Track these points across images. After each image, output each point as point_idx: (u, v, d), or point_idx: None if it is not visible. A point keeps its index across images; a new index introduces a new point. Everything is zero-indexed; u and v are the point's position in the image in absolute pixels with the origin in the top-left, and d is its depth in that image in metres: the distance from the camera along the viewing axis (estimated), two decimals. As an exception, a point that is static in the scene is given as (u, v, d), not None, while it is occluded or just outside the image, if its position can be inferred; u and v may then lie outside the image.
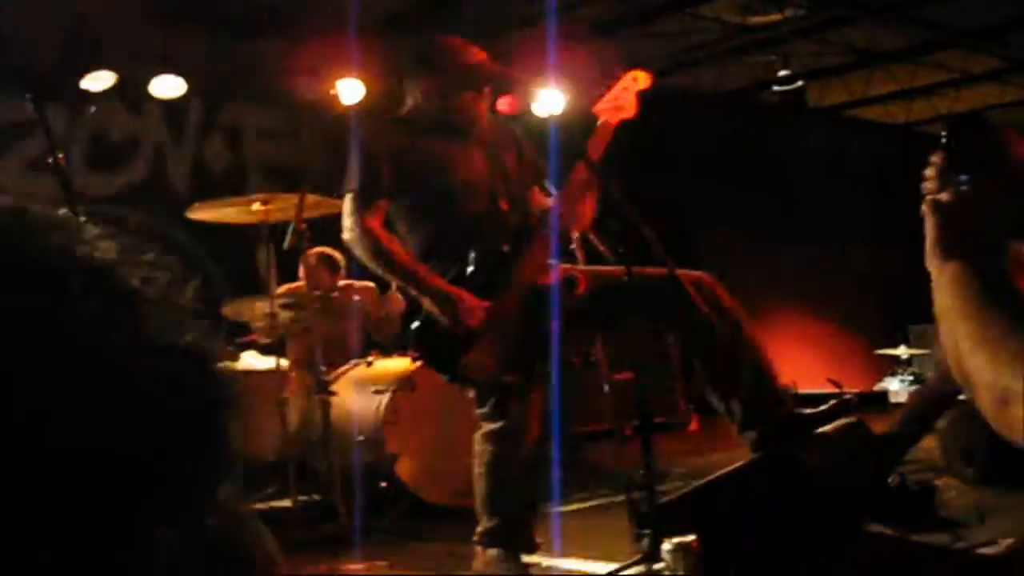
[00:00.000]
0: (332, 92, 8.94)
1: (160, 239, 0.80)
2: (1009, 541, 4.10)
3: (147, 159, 10.01)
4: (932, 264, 1.72)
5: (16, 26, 8.34)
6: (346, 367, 7.11)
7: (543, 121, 8.62)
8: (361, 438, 6.55)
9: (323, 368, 6.32)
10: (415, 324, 4.68)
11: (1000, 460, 5.66)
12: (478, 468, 4.67)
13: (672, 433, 9.77)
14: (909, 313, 11.82)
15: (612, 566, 4.35)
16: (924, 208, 1.75)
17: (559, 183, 4.80)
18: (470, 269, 4.60)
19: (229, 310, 6.82)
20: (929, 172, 1.79)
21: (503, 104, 4.96)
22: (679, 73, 12.37)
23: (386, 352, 7.25)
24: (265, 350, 7.45)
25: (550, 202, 4.83)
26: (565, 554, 5.05)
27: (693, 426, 10.34)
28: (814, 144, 14.47)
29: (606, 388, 8.11)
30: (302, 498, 6.37)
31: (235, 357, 7.29)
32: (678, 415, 10.22)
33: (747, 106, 13.94)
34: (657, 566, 4.02)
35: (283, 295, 6.85)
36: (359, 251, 4.68)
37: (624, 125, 4.74)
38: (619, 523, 4.85)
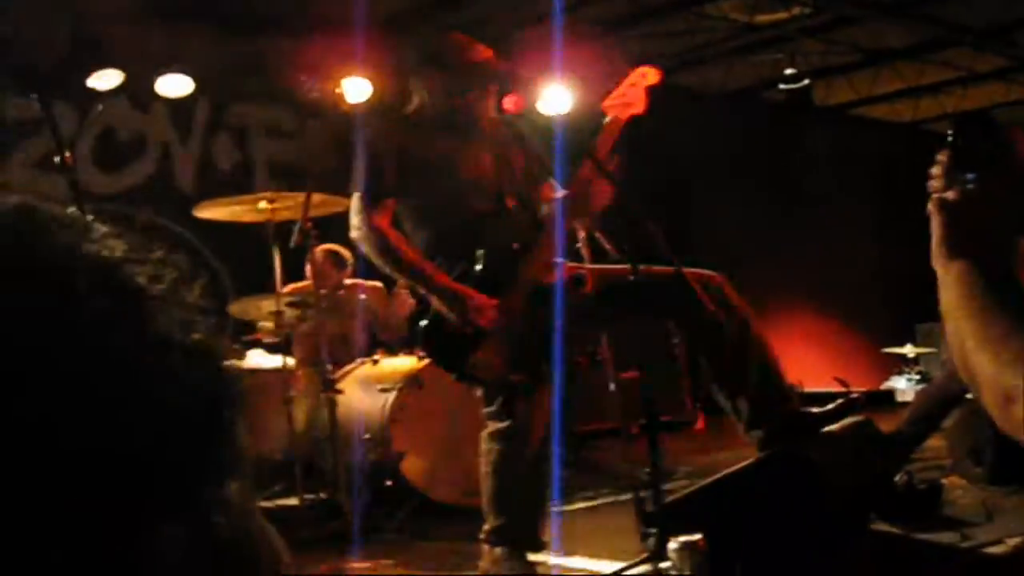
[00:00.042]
0: (338, 91, 8.95)
1: (167, 237, 0.80)
2: (1016, 540, 4.10)
3: (154, 158, 10.02)
4: (938, 263, 1.72)
5: (23, 25, 8.35)
6: (352, 365, 7.11)
7: (549, 119, 8.61)
8: (367, 436, 6.55)
9: (329, 367, 6.32)
10: (423, 323, 4.68)
11: (1008, 459, 5.66)
12: (485, 467, 4.67)
13: (678, 432, 9.77)
14: (916, 312, 11.83)
15: (618, 565, 4.35)
16: (930, 206, 1.75)
17: (565, 181, 4.80)
18: (478, 267, 4.60)
19: (236, 309, 6.83)
20: (935, 170, 1.79)
21: (509, 102, 4.94)
22: (685, 71, 12.36)
23: (392, 351, 7.25)
24: (271, 349, 7.46)
25: (558, 196, 4.83)
26: (571, 553, 5.05)
27: (699, 424, 10.33)
28: (820, 143, 14.45)
29: (612, 387, 8.11)
30: (308, 496, 6.37)
31: (241, 356, 7.30)
32: (684, 414, 10.22)
33: (753, 105, 13.93)
34: (663, 565, 4.02)
35: (290, 294, 6.85)
36: (367, 249, 4.68)
37: (632, 121, 4.73)
38: (625, 522, 4.85)
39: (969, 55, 12.88)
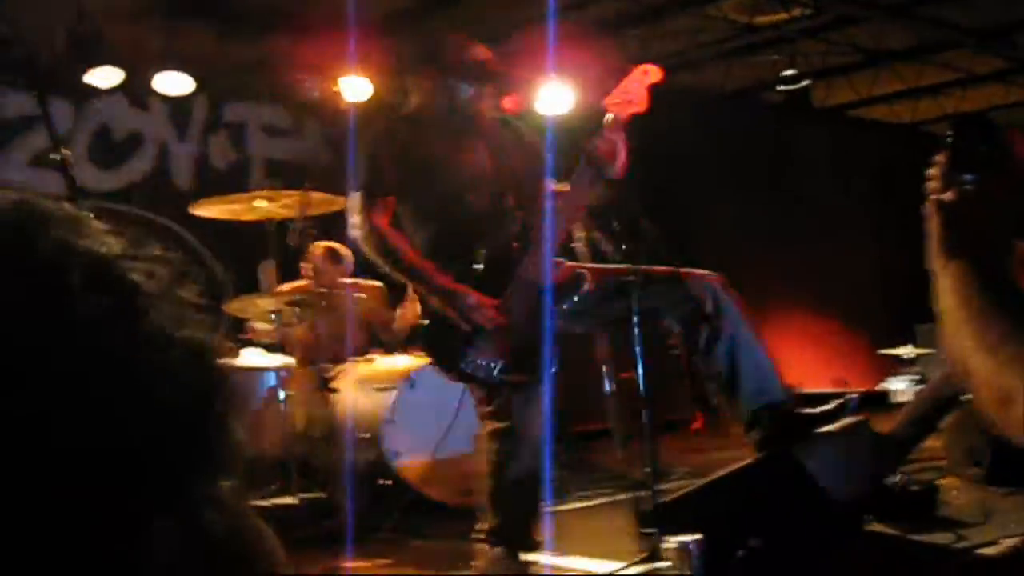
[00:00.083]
0: (336, 90, 8.96)
1: (163, 235, 0.80)
2: (1012, 541, 4.10)
3: (151, 155, 10.02)
4: (935, 263, 1.72)
5: (22, 21, 8.35)
6: (349, 364, 7.11)
7: (548, 119, 8.61)
8: (363, 436, 6.55)
9: (326, 366, 6.33)
10: (424, 322, 4.69)
11: (1004, 460, 5.66)
12: (482, 467, 4.67)
13: (676, 432, 9.78)
14: (914, 313, 11.80)
15: (615, 565, 4.35)
16: (928, 207, 1.75)
17: (562, 180, 4.80)
18: (478, 267, 4.59)
19: (232, 307, 6.83)
20: (933, 171, 1.79)
21: (507, 102, 4.95)
22: (685, 71, 12.36)
23: (389, 350, 7.26)
24: (268, 348, 7.46)
25: (563, 188, 4.83)
26: (567, 553, 5.05)
27: (697, 425, 10.34)
28: (819, 143, 14.46)
29: (610, 387, 8.11)
30: (304, 495, 6.37)
31: (236, 353, 7.30)
32: (682, 414, 10.23)
33: (753, 105, 13.93)
34: (660, 565, 4.02)
35: (286, 292, 6.85)
36: (366, 249, 4.69)
37: (632, 120, 4.72)
38: (622, 522, 4.85)
39: (968, 56, 12.89)
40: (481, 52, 4.81)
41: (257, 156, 10.64)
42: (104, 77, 8.51)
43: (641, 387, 4.59)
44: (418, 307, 4.86)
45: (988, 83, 14.05)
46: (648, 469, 4.40)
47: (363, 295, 7.47)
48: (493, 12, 9.56)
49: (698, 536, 3.92)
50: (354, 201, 4.71)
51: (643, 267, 4.49)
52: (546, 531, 4.81)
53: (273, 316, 6.54)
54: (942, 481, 5.66)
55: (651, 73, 4.78)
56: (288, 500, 6.27)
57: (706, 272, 4.80)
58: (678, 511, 4.32)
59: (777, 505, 4.27)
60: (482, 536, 4.66)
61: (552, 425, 4.81)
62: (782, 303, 12.69)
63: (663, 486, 4.64)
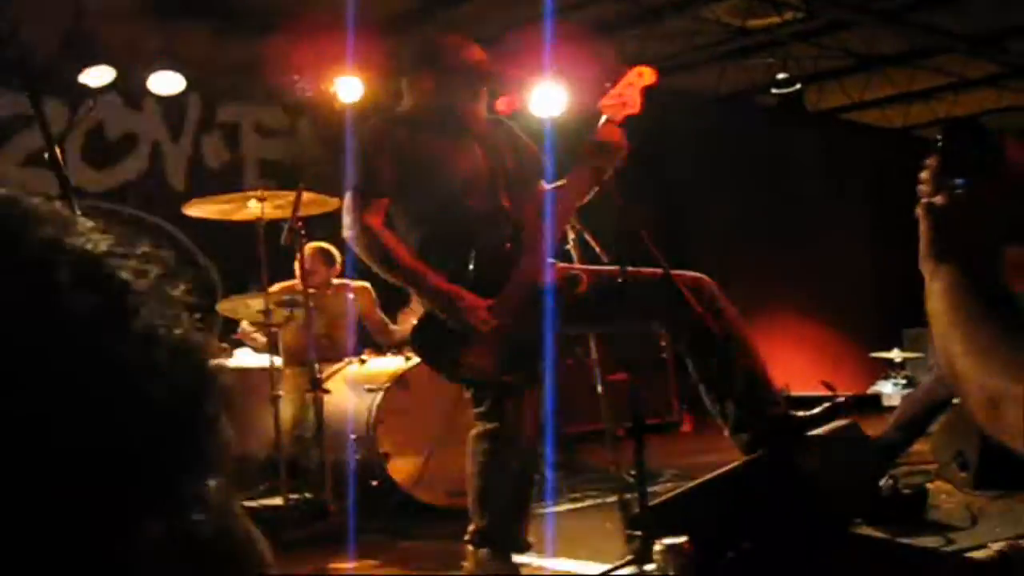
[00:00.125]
0: (331, 90, 8.95)
1: (156, 234, 0.80)
2: (999, 545, 4.11)
3: (144, 155, 10.02)
4: (925, 267, 1.72)
5: (16, 20, 8.34)
6: (340, 365, 7.12)
7: (542, 120, 8.61)
8: (354, 436, 6.55)
9: (317, 366, 6.33)
10: (415, 322, 4.68)
11: (992, 464, 5.67)
12: (472, 467, 4.66)
13: (665, 434, 9.79)
14: (904, 316, 11.83)
15: (603, 567, 4.35)
16: (918, 211, 1.76)
17: (558, 180, 4.80)
18: (470, 268, 4.59)
19: (223, 307, 6.82)
20: (924, 175, 1.80)
21: (502, 103, 4.95)
22: (679, 74, 12.36)
23: (380, 351, 7.26)
24: (258, 348, 7.46)
25: (553, 187, 4.83)
26: (556, 554, 5.05)
27: (686, 427, 10.35)
28: (811, 147, 14.46)
29: (599, 389, 8.11)
30: (293, 496, 6.37)
31: (228, 354, 7.30)
32: (671, 416, 10.24)
33: (746, 108, 13.94)
34: (648, 567, 4.03)
35: (277, 292, 6.85)
36: (359, 249, 4.68)
37: (628, 121, 4.73)
38: (611, 523, 4.86)
39: (960, 61, 12.90)
40: (477, 52, 4.81)
41: (250, 156, 10.64)
42: (98, 76, 8.50)
43: (633, 388, 4.59)
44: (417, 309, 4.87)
45: (980, 88, 14.06)
46: (635, 471, 4.40)
47: (352, 295, 7.49)
48: (489, 13, 9.57)
49: (686, 538, 3.92)
50: (346, 201, 4.71)
51: (632, 269, 4.49)
52: (535, 532, 4.81)
53: (264, 316, 6.53)
54: (931, 485, 5.67)
55: (645, 75, 4.80)
56: (277, 501, 6.27)
57: (696, 274, 4.80)
58: (667, 513, 4.33)
59: (767, 507, 4.27)
60: (469, 537, 4.65)
61: (544, 426, 4.82)
62: (774, 305, 12.70)
63: (651, 488, 4.64)
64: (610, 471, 7.04)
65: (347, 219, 4.69)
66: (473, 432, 4.68)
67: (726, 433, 4.71)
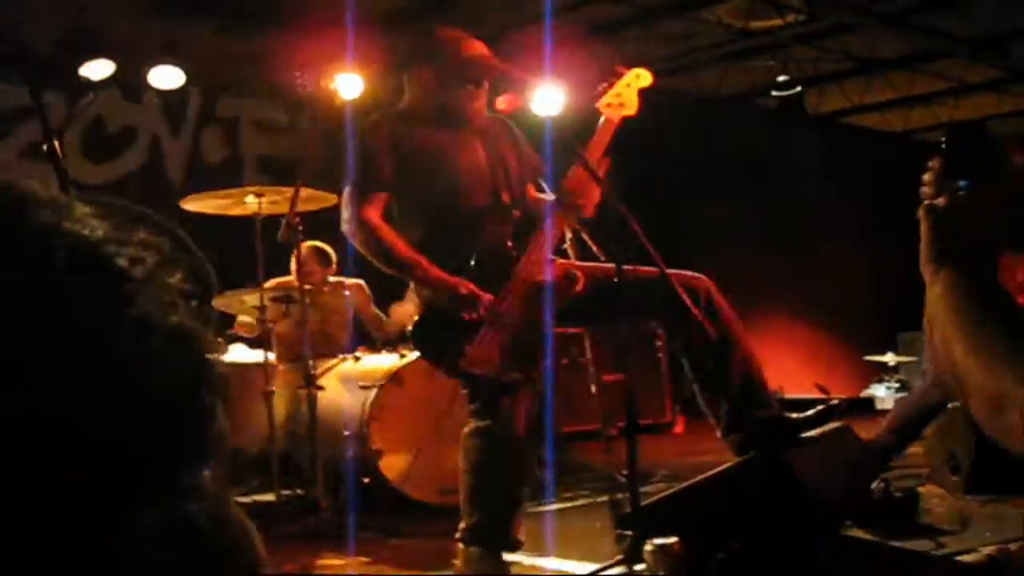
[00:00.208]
0: (331, 86, 8.94)
1: (153, 227, 0.80)
2: (989, 549, 4.12)
3: (143, 149, 10.02)
4: (926, 268, 1.73)
5: (16, 13, 8.34)
6: (334, 362, 7.11)
7: (541, 120, 8.61)
8: (347, 433, 6.54)
9: (311, 362, 6.32)
10: (415, 318, 4.67)
11: (984, 469, 5.68)
12: (464, 465, 4.63)
13: (658, 434, 9.79)
14: (899, 320, 11.84)
15: (594, 566, 4.35)
16: (920, 212, 1.76)
17: (556, 182, 4.80)
18: (472, 264, 4.58)
19: (218, 302, 6.81)
20: (927, 177, 1.81)
21: (502, 102, 4.94)
22: (680, 75, 12.37)
23: (374, 348, 7.26)
24: (253, 343, 7.46)
25: (546, 199, 4.83)
26: (547, 553, 5.05)
27: (678, 428, 10.35)
28: (811, 150, 14.46)
29: (594, 389, 8.12)
30: (285, 492, 6.37)
31: (224, 349, 7.29)
32: (664, 416, 10.24)
33: (746, 110, 13.94)
34: (638, 567, 4.03)
35: (272, 288, 6.85)
36: (357, 243, 4.67)
37: (625, 123, 4.74)
38: (603, 523, 4.86)
39: (961, 65, 12.90)
40: (478, 47, 4.80)
41: (249, 152, 10.64)
42: (98, 69, 8.49)
43: (627, 388, 4.59)
44: (413, 308, 4.85)
45: (981, 92, 14.05)
46: (627, 471, 4.39)
47: (347, 292, 7.49)
48: (488, 12, 9.57)
49: (677, 539, 3.93)
50: (346, 195, 4.71)
51: (629, 268, 4.48)
52: (527, 531, 4.80)
53: (258, 312, 6.53)
54: (922, 488, 5.68)
55: (642, 77, 4.80)
56: (269, 497, 6.27)
57: (693, 274, 4.80)
58: (658, 513, 4.33)
59: (758, 509, 4.28)
60: (460, 535, 4.66)
61: (538, 425, 4.82)
62: (769, 307, 12.70)
63: (643, 488, 4.65)
64: (604, 471, 7.04)
65: (346, 213, 4.68)
66: (466, 429, 4.66)
67: (718, 434, 4.71)
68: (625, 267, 4.46)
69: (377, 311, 7.84)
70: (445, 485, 5.83)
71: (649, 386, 9.84)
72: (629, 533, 4.15)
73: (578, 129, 4.94)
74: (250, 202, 6.55)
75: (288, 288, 6.85)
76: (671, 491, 4.64)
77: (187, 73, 9.16)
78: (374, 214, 4.63)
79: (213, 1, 9.32)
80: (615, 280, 4.43)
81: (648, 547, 3.95)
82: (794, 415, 4.66)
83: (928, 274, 1.64)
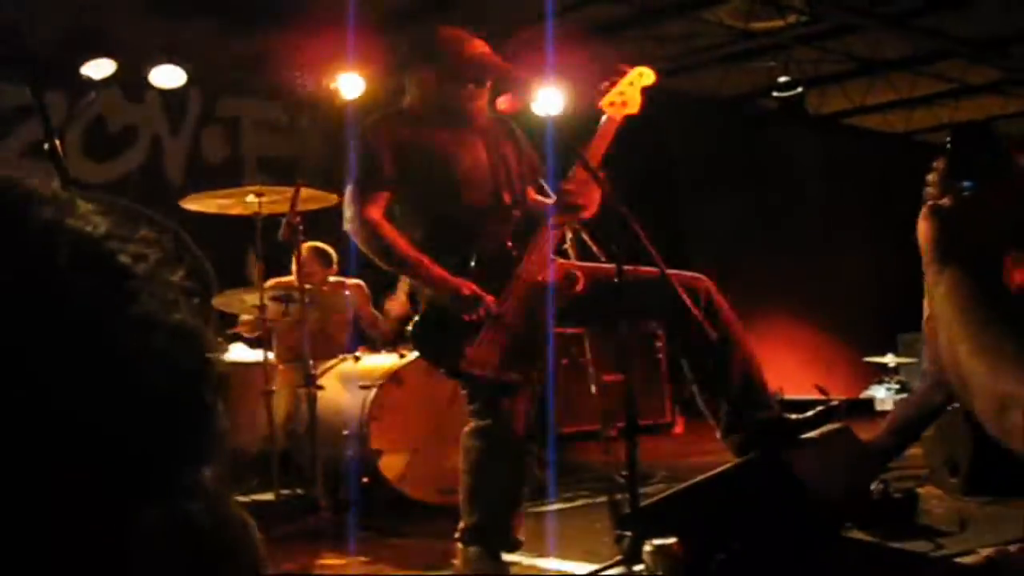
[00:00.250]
0: (332, 86, 8.95)
1: (153, 226, 0.79)
2: (988, 551, 4.12)
3: (144, 148, 10.02)
4: (930, 269, 1.72)
5: (18, 12, 8.34)
6: (334, 361, 7.11)
7: (542, 120, 8.61)
8: (346, 433, 6.54)
9: (311, 362, 6.32)
10: (415, 318, 4.66)
11: (983, 471, 5.69)
12: (464, 465, 4.63)
13: (658, 435, 9.79)
14: (899, 321, 11.85)
15: (594, 566, 4.35)
16: (924, 212, 1.76)
17: (557, 182, 4.79)
18: (472, 265, 4.58)
19: (219, 302, 6.81)
20: (931, 177, 1.80)
21: (503, 102, 4.95)
22: (681, 76, 12.37)
23: (374, 348, 7.26)
24: (253, 343, 7.45)
25: (547, 200, 4.83)
26: (546, 553, 5.05)
27: (678, 428, 10.35)
28: (812, 151, 14.46)
29: (593, 389, 8.12)
30: (285, 492, 6.37)
31: (224, 348, 7.29)
32: (664, 417, 10.25)
33: (747, 111, 13.94)
34: (638, 567, 4.03)
35: (272, 288, 6.85)
36: (359, 241, 4.66)
37: (626, 124, 4.73)
38: (602, 523, 4.86)
39: (962, 67, 12.90)
40: (479, 46, 4.79)
41: (249, 151, 10.64)
42: (100, 69, 8.50)
43: (627, 389, 4.59)
44: (404, 299, 4.84)
45: (983, 94, 14.05)
46: (626, 472, 4.39)
47: (347, 292, 7.49)
48: (490, 12, 9.56)
49: (676, 540, 3.93)
50: (347, 194, 4.71)
51: (629, 268, 4.48)
52: (526, 531, 4.80)
53: (258, 311, 6.53)
54: (922, 489, 5.68)
55: (645, 75, 4.79)
56: (268, 496, 6.27)
57: (694, 275, 4.80)
58: (657, 514, 4.33)
59: (758, 509, 4.28)
60: (459, 535, 4.65)
61: (538, 426, 4.81)
62: (769, 308, 12.69)
63: (642, 489, 4.65)
64: (604, 471, 7.04)
65: (348, 212, 4.68)
66: (466, 429, 4.66)
67: (718, 435, 4.71)
68: (625, 267, 4.46)
69: (375, 311, 7.84)
70: (444, 485, 5.83)
71: (649, 386, 9.84)
72: (629, 533, 4.15)
73: (578, 130, 4.94)
74: (250, 202, 6.55)
75: (288, 288, 6.85)
76: (671, 491, 4.64)
77: (188, 73, 9.18)
78: (376, 213, 4.63)
79: (214, 1, 9.32)
80: (615, 280, 4.43)
81: (648, 547, 3.96)
82: (794, 416, 4.66)
83: (932, 274, 1.63)
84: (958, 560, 4.31)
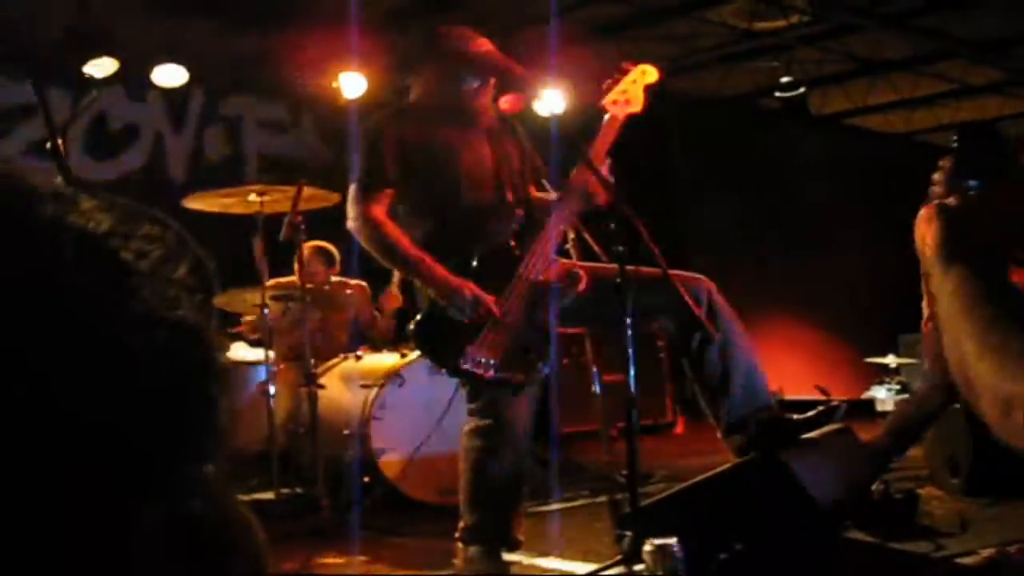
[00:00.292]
0: (335, 85, 8.95)
1: (152, 223, 0.79)
2: (989, 552, 4.12)
3: (146, 147, 10.02)
4: (935, 268, 1.72)
5: (21, 10, 8.35)
6: (336, 361, 7.11)
7: (545, 120, 8.61)
8: (347, 432, 6.55)
9: (312, 361, 6.32)
10: (417, 317, 4.66)
11: (984, 471, 5.69)
12: (464, 464, 4.64)
13: (658, 434, 9.79)
14: (900, 322, 11.83)
15: (594, 566, 4.35)
16: (930, 211, 1.75)
17: (559, 181, 4.79)
18: (474, 263, 4.57)
19: (221, 301, 6.81)
20: (937, 176, 1.80)
21: (505, 102, 4.94)
22: (683, 76, 12.37)
23: (376, 347, 7.26)
24: (254, 342, 7.46)
25: (549, 198, 4.83)
26: (547, 553, 5.05)
27: (679, 428, 10.36)
28: (814, 151, 14.45)
29: (595, 389, 8.12)
30: (285, 491, 6.37)
31: (227, 346, 7.28)
32: (665, 416, 10.25)
33: (749, 111, 13.94)
34: (638, 567, 4.03)
35: (274, 287, 6.85)
36: (362, 240, 4.66)
37: (628, 123, 4.73)
38: (603, 523, 4.86)
39: (963, 67, 12.90)
40: (483, 43, 4.79)
41: (251, 150, 10.64)
42: (102, 67, 8.50)
43: (631, 389, 4.58)
44: (396, 291, 4.82)
45: (984, 94, 14.05)
46: (626, 471, 4.39)
47: (349, 292, 7.49)
48: (492, 11, 9.56)
49: (676, 539, 3.93)
50: (351, 192, 4.70)
51: (632, 268, 4.47)
52: (526, 531, 4.80)
53: (260, 310, 6.54)
54: (922, 490, 5.68)
55: (648, 73, 4.79)
56: (268, 495, 6.27)
57: (695, 275, 4.79)
58: (657, 514, 4.33)
59: (758, 510, 4.28)
60: (459, 534, 4.65)
61: (539, 425, 4.81)
62: (770, 308, 12.68)
63: (643, 489, 4.65)
64: (605, 471, 7.05)
65: (351, 211, 4.68)
66: (466, 429, 4.66)
67: (719, 435, 4.71)
68: (627, 267, 4.45)
69: (374, 311, 7.84)
70: (445, 485, 5.83)
71: (649, 386, 9.83)
72: (629, 533, 4.15)
73: (581, 129, 4.94)
74: (252, 201, 6.55)
75: (289, 287, 6.85)
76: (671, 491, 4.63)
77: (190, 72, 9.17)
78: (379, 211, 4.62)
79: (217, 0, 9.32)
80: (617, 280, 4.43)
81: (648, 547, 3.95)
82: (794, 416, 4.66)
83: (937, 274, 1.63)
84: (959, 561, 4.31)
